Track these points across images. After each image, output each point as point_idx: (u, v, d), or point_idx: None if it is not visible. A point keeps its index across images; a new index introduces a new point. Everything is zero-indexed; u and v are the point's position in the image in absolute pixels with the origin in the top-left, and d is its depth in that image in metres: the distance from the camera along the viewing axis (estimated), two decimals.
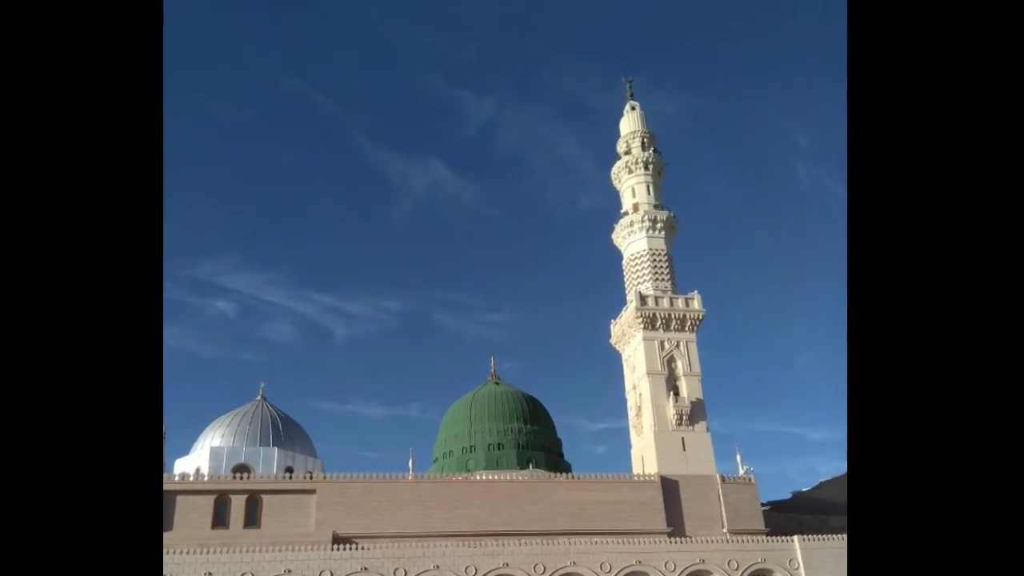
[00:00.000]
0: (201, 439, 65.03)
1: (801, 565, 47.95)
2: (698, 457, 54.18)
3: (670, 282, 60.67)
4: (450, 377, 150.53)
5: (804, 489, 63.05)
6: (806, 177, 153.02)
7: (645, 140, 66.71)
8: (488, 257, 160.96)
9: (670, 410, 55.24)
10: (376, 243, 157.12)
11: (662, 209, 63.42)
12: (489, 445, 68.61)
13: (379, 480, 49.26)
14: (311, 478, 50.97)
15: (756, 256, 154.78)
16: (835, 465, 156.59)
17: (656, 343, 57.80)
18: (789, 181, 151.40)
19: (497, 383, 76.21)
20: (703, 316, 58.95)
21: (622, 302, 62.13)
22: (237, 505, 46.62)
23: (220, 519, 46.08)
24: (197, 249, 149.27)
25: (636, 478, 53.29)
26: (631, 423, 59.03)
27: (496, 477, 54.40)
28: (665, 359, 57.44)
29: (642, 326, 57.90)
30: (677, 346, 57.86)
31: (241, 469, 55.64)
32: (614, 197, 67.08)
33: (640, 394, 57.63)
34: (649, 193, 64.18)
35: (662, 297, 59.21)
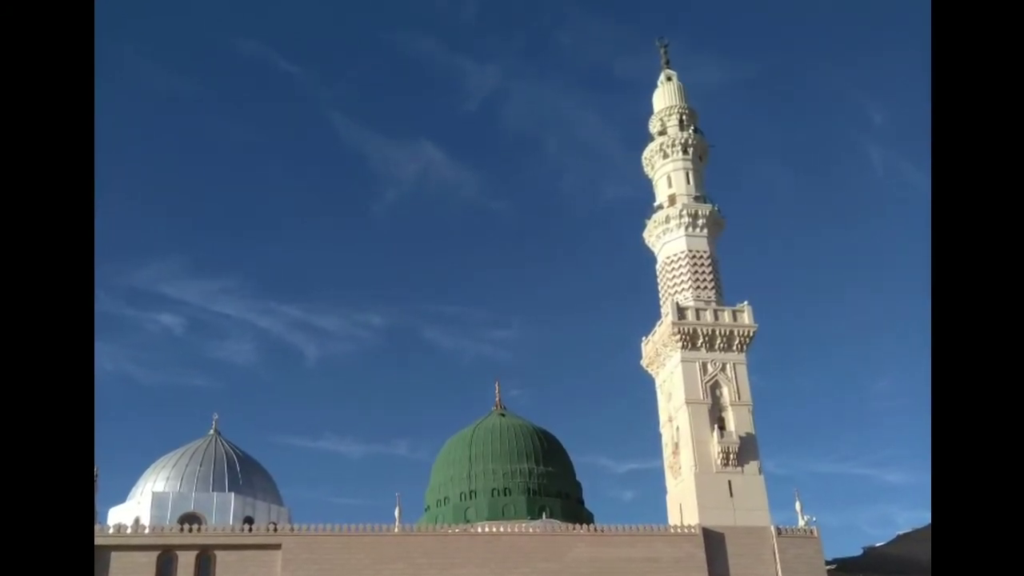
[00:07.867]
0: (141, 483, 65.21)
1: None
2: (748, 505, 54.05)
3: (714, 291, 60.67)
4: (445, 407, 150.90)
5: (878, 544, 62.81)
6: (881, 163, 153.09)
7: (684, 117, 66.80)
8: (492, 260, 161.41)
9: (714, 447, 55.13)
10: (354, 243, 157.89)
11: (705, 202, 63.44)
12: (493, 490, 68.72)
13: (359, 533, 49.37)
14: (275, 530, 51.24)
15: (819, 260, 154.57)
16: (916, 515, 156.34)
17: (697, 365, 57.74)
18: (860, 168, 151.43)
19: (503, 414, 76.28)
20: (754, 333, 58.92)
21: (656, 315, 62.19)
22: (185, 563, 46.76)
23: None
24: (135, 251, 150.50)
25: (673, 530, 53.23)
26: (666, 463, 58.95)
27: (502, 529, 54.43)
28: (708, 385, 57.37)
29: (680, 345, 57.87)
30: (723, 369, 57.81)
31: (190, 519, 55.75)
32: (646, 187, 67.26)
33: (677, 428, 57.56)
34: (689, 182, 64.24)
35: (704, 309, 59.18)
